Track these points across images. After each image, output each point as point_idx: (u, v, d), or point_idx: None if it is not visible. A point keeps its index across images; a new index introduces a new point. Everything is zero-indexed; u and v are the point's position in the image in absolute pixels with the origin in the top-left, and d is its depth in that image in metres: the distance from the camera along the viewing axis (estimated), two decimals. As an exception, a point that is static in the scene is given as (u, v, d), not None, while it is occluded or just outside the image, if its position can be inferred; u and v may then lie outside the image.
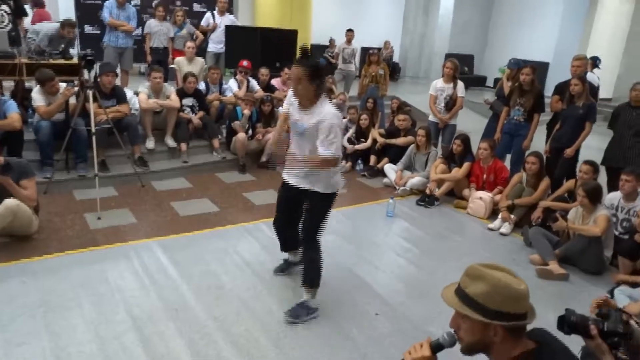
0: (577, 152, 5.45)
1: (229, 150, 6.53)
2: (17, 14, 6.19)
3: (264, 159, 6.52)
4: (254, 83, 7.14)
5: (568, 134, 5.38)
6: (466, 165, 5.56)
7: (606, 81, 10.75)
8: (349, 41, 9.66)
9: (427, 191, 5.62)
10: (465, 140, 5.66)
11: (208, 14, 8.45)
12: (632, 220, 4.14)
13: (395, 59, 14.84)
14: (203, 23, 8.38)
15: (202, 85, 6.75)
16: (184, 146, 6.14)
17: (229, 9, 9.03)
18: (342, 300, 3.43)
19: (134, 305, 3.19)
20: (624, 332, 1.63)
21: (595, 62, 8.30)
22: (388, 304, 3.44)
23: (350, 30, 9.75)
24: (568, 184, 5.09)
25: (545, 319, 1.75)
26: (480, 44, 15.83)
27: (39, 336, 2.82)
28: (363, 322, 3.20)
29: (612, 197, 4.42)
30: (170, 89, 6.25)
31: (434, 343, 1.58)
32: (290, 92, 3.12)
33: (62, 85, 5.35)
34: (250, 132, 6.44)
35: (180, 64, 7.18)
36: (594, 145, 6.12)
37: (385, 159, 6.41)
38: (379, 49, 11.10)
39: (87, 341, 2.81)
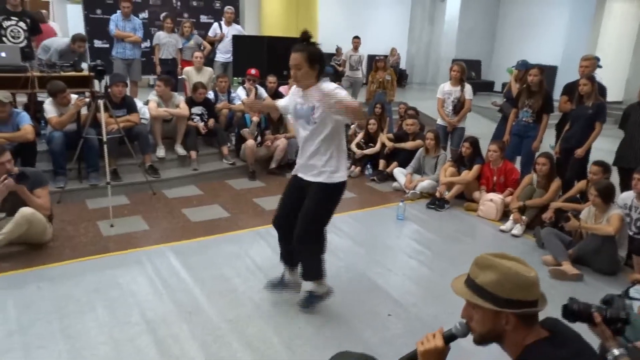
0: (587, 152, 5.42)
1: (238, 157, 6.58)
2: (33, 31, 6.34)
3: (273, 165, 6.55)
4: (262, 91, 7.20)
5: (578, 135, 5.35)
6: (476, 167, 5.55)
7: (615, 84, 10.71)
8: (355, 48, 9.72)
9: (437, 194, 5.61)
10: (474, 142, 5.65)
11: (215, 24, 8.58)
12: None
13: (402, 65, 14.89)
14: (210, 33, 8.50)
15: (210, 94, 6.83)
16: (193, 154, 6.20)
17: (236, 19, 9.14)
18: (354, 302, 3.42)
19: (147, 309, 3.21)
20: (626, 318, 1.65)
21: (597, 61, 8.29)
22: (400, 305, 3.43)
23: (356, 38, 9.82)
24: (579, 185, 5.06)
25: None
26: (487, 49, 15.83)
27: (56, 340, 2.85)
28: (376, 324, 3.19)
29: (626, 197, 4.38)
30: (180, 98, 6.33)
31: (447, 333, 1.58)
32: (291, 91, 3.11)
33: (74, 96, 5.43)
34: (259, 139, 6.49)
35: (189, 73, 7.27)
36: (604, 147, 6.09)
37: (395, 163, 6.42)
38: (386, 56, 11.15)
39: (101, 344, 2.84)
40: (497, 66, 15.41)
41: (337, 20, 13.44)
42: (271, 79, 7.29)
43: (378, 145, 6.76)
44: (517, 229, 4.87)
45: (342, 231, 4.68)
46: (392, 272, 3.95)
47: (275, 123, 6.71)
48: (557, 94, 6.78)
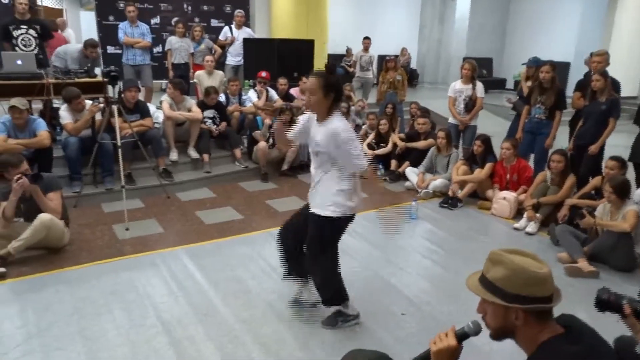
0: (602, 149, 5.36)
1: (250, 160, 6.62)
2: (44, 37, 6.44)
3: (285, 167, 6.58)
4: (273, 93, 7.25)
5: (591, 131, 5.30)
6: (488, 165, 5.52)
7: (629, 79, 10.59)
8: (366, 49, 9.73)
9: (450, 193, 5.59)
10: (486, 140, 5.62)
11: (226, 28, 8.64)
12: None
13: (413, 65, 14.87)
14: (221, 37, 8.56)
15: (222, 97, 6.88)
16: (206, 157, 6.25)
17: (246, 22, 9.20)
18: (368, 302, 3.42)
19: (163, 311, 3.25)
20: None
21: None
22: (414, 304, 3.43)
23: (367, 38, 9.83)
24: (594, 182, 5.01)
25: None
26: (498, 47, 15.73)
27: (74, 342, 2.90)
28: (390, 323, 3.20)
29: (642, 192, 4.34)
30: (191, 101, 6.39)
31: (459, 332, 1.59)
32: (305, 116, 3.03)
33: (88, 102, 5.51)
34: (271, 141, 6.52)
35: (200, 77, 7.34)
36: (619, 143, 6.03)
37: (407, 163, 6.41)
38: (396, 56, 11.14)
39: (119, 345, 2.88)
40: (508, 63, 15.31)
41: (347, 21, 13.46)
42: (282, 81, 7.33)
43: (390, 145, 6.75)
44: (532, 227, 4.84)
45: (355, 231, 4.68)
46: (405, 272, 3.95)
47: (286, 125, 6.73)
48: (569, 90, 6.73)
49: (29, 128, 4.96)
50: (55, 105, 6.18)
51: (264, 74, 7.19)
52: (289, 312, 3.28)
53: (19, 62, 5.52)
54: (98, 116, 5.49)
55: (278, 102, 7.14)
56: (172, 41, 7.90)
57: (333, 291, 3.06)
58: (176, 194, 5.70)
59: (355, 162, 2.78)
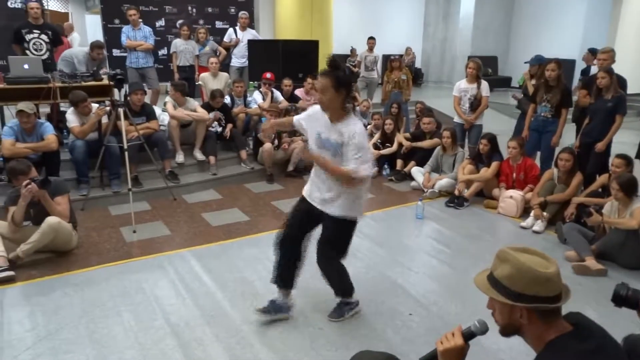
0: (608, 146, 5.34)
1: (256, 161, 6.63)
2: (55, 42, 6.49)
3: (290, 167, 6.59)
4: (278, 94, 7.26)
5: (598, 128, 5.28)
6: (494, 164, 5.51)
7: (636, 76, 10.49)
8: (370, 49, 9.73)
9: (456, 192, 5.58)
10: (492, 139, 5.61)
11: (230, 30, 8.67)
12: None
13: (418, 64, 14.85)
14: (226, 39, 8.59)
15: (227, 99, 6.90)
16: (212, 159, 6.27)
17: (250, 24, 9.23)
18: (375, 302, 3.43)
19: (171, 313, 3.27)
20: None
21: (594, 54, 8.27)
22: (421, 304, 3.43)
23: (372, 38, 9.82)
24: (601, 179, 4.98)
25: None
26: (503, 45, 15.67)
27: (83, 344, 2.92)
28: (397, 323, 3.20)
29: (649, 190, 4.31)
30: (195, 103, 6.41)
31: (466, 331, 1.59)
32: (313, 108, 3.04)
33: (94, 105, 5.55)
34: (276, 142, 6.53)
35: (205, 79, 7.36)
36: (626, 140, 6.00)
37: (412, 163, 6.40)
38: (401, 56, 11.13)
39: (127, 348, 2.90)
40: (513, 62, 15.25)
41: (351, 21, 13.46)
42: (287, 82, 7.34)
43: (395, 145, 6.75)
44: (539, 225, 4.82)
45: (361, 232, 4.67)
46: (412, 271, 3.95)
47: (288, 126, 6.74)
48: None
49: (37, 132, 4.99)
50: (62, 109, 6.23)
51: (268, 75, 7.21)
52: (296, 313, 3.27)
53: (26, 66, 5.57)
54: (104, 119, 5.52)
55: (283, 103, 7.14)
56: (177, 44, 7.94)
57: (342, 282, 3.15)
58: (182, 196, 5.72)
59: (360, 167, 2.75)
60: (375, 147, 6.87)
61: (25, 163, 4.04)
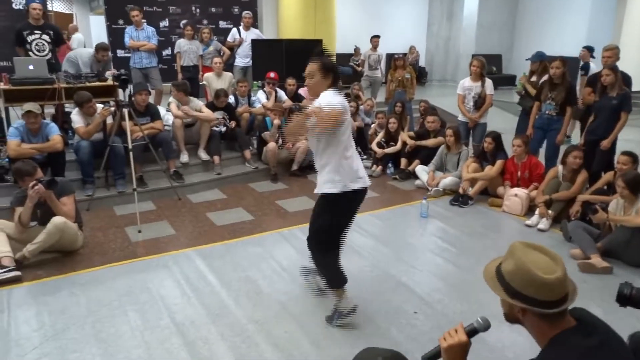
0: (614, 143, 5.31)
1: (260, 161, 6.65)
2: (57, 42, 6.52)
3: (295, 167, 6.60)
4: (281, 93, 7.27)
5: (603, 126, 5.26)
6: (499, 162, 5.49)
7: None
8: (374, 47, 9.70)
9: (461, 191, 5.58)
10: (497, 137, 5.59)
11: (234, 29, 8.68)
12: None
13: (422, 63, 14.82)
14: (229, 39, 8.60)
15: (231, 99, 6.92)
16: (217, 159, 6.28)
17: (254, 23, 9.24)
18: (380, 300, 3.43)
19: (176, 312, 3.28)
20: None
21: (590, 51, 8.53)
22: (426, 303, 3.43)
23: (376, 37, 9.80)
24: (606, 177, 4.97)
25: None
26: (507, 43, 15.62)
27: (89, 344, 2.94)
28: (401, 321, 3.20)
29: (655, 187, 4.28)
30: (199, 102, 6.43)
31: (469, 328, 1.60)
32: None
33: (99, 106, 5.57)
34: (280, 141, 6.54)
35: (210, 79, 7.38)
36: (631, 137, 5.98)
37: (417, 161, 6.40)
38: (405, 55, 11.11)
39: (133, 347, 2.91)
40: (518, 60, 15.18)
41: (354, 20, 13.44)
42: (290, 81, 7.34)
43: (399, 144, 6.74)
44: (544, 224, 4.80)
45: (365, 230, 4.69)
46: (416, 270, 3.94)
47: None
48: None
49: (42, 132, 5.02)
50: (67, 110, 6.26)
51: (272, 74, 7.22)
52: (301, 311, 3.29)
53: (31, 67, 5.60)
54: (109, 120, 5.54)
55: (287, 102, 7.15)
56: (181, 44, 7.95)
57: (330, 274, 3.09)
58: (187, 196, 5.74)
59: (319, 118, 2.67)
60: (380, 146, 6.87)
61: (31, 164, 4.07)
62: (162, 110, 6.37)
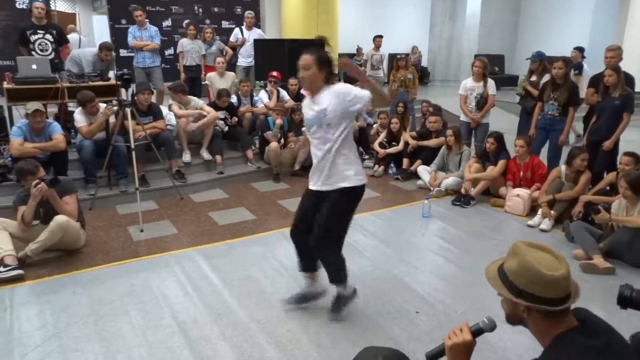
0: (616, 144, 5.31)
1: (262, 160, 6.65)
2: (60, 42, 6.53)
3: (297, 166, 6.60)
4: (284, 93, 7.27)
5: (605, 126, 5.25)
6: (501, 163, 5.49)
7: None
8: (377, 47, 9.70)
9: (463, 191, 5.57)
10: (499, 137, 5.59)
11: (236, 29, 8.70)
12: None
13: (424, 63, 14.82)
14: (232, 39, 8.62)
15: (233, 99, 6.93)
16: (219, 158, 6.29)
17: (257, 23, 9.25)
18: (382, 300, 3.44)
19: (178, 311, 3.29)
20: None
21: (581, 52, 8.66)
22: (428, 303, 3.43)
23: (379, 37, 9.80)
24: (609, 177, 4.96)
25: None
26: (510, 44, 15.61)
27: (92, 343, 2.94)
28: (404, 321, 3.20)
29: (657, 188, 4.27)
30: (199, 101, 6.44)
31: (474, 328, 1.60)
32: (304, 104, 3.10)
33: (102, 105, 5.58)
34: (282, 141, 6.54)
35: (212, 79, 7.39)
36: (634, 138, 5.97)
37: (418, 161, 6.40)
38: (407, 55, 11.10)
39: (135, 346, 2.91)
40: (520, 60, 15.15)
41: (357, 20, 13.45)
42: (292, 81, 7.35)
43: (401, 144, 6.74)
44: (546, 224, 4.80)
45: (367, 230, 4.69)
46: (418, 270, 3.94)
47: (297, 125, 6.76)
48: (582, 85, 6.68)
49: (45, 132, 5.03)
50: (70, 109, 6.27)
51: (275, 73, 7.23)
52: (303, 311, 3.29)
53: (34, 66, 5.61)
54: (112, 119, 5.55)
55: (289, 102, 7.16)
56: (184, 43, 7.97)
57: (338, 270, 3.12)
58: (189, 195, 5.75)
59: (364, 96, 2.83)
60: (382, 146, 6.87)
61: (33, 163, 4.08)
62: (164, 109, 6.38)
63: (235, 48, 8.54)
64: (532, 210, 5.13)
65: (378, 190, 6.00)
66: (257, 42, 8.44)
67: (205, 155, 6.30)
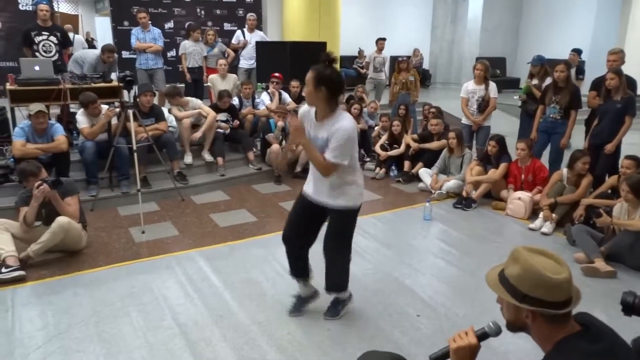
0: (618, 147, 5.31)
1: (264, 162, 6.66)
2: (64, 44, 6.56)
3: (298, 169, 6.60)
4: (285, 96, 7.28)
5: (607, 130, 5.25)
6: (503, 166, 5.49)
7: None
8: (380, 50, 9.71)
9: (464, 194, 5.57)
10: (500, 140, 5.59)
11: (238, 32, 8.71)
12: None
13: (425, 65, 14.81)
14: (234, 41, 8.64)
15: (235, 101, 6.94)
16: (220, 160, 6.30)
17: (258, 25, 9.26)
18: (383, 303, 3.43)
19: (179, 313, 3.29)
20: None
21: (579, 54, 8.89)
22: (429, 306, 3.42)
23: (382, 39, 9.80)
24: (611, 181, 4.95)
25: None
26: (511, 46, 15.57)
27: (93, 344, 2.94)
28: (405, 324, 3.20)
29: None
30: (197, 102, 6.47)
31: (480, 332, 1.59)
32: (302, 108, 3.04)
33: (104, 107, 5.59)
34: (284, 143, 6.55)
35: (214, 81, 7.40)
36: (635, 141, 5.96)
37: (420, 164, 6.40)
38: (409, 57, 11.10)
39: (136, 347, 2.92)
40: (522, 63, 15.12)
41: (359, 22, 13.45)
42: (294, 83, 7.36)
43: (403, 147, 6.74)
44: (547, 227, 4.80)
45: (368, 233, 4.69)
46: (420, 273, 3.94)
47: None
48: (584, 89, 6.67)
49: (47, 133, 5.04)
50: (72, 110, 6.28)
51: (277, 74, 7.24)
52: (304, 314, 3.29)
53: (37, 67, 5.63)
54: (114, 121, 5.56)
55: (291, 104, 7.17)
56: (186, 45, 7.98)
57: (342, 275, 3.14)
58: (191, 197, 5.75)
59: (334, 154, 2.73)
60: (383, 148, 6.88)
61: (35, 164, 4.09)
62: (166, 111, 6.39)
63: (237, 50, 8.56)
64: (534, 213, 5.13)
65: (379, 193, 6.00)
66: (259, 45, 8.46)
67: (207, 157, 6.31)
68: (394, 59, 9.41)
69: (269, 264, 4.04)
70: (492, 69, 7.26)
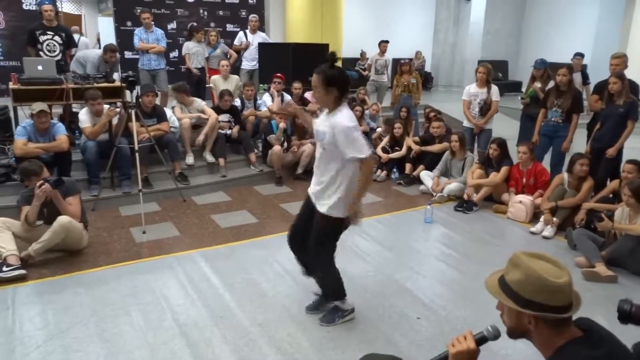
0: (619, 152, 5.30)
1: (265, 164, 6.66)
2: (68, 45, 6.58)
3: (299, 170, 6.61)
4: (287, 98, 7.28)
5: (609, 134, 5.25)
6: (504, 169, 5.48)
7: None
8: (382, 52, 9.72)
9: (465, 197, 5.56)
10: (502, 144, 5.59)
11: (241, 33, 8.73)
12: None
13: (427, 68, 14.81)
14: (236, 42, 8.65)
15: (237, 102, 6.95)
16: (222, 161, 6.30)
17: (261, 27, 9.27)
18: (383, 306, 3.43)
19: (180, 313, 3.29)
20: None
21: (582, 57, 8.97)
22: (430, 308, 3.42)
23: (385, 42, 9.81)
24: (612, 185, 4.95)
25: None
26: (513, 49, 15.59)
27: (93, 343, 2.95)
28: (405, 327, 3.19)
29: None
30: (201, 102, 6.47)
31: (478, 336, 1.59)
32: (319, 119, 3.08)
33: (105, 106, 5.59)
34: (285, 144, 6.56)
35: (216, 82, 7.41)
36: (637, 145, 5.95)
37: (421, 167, 6.40)
38: (411, 60, 11.11)
39: (137, 347, 2.92)
40: (524, 66, 15.11)
41: (361, 24, 13.45)
42: (296, 85, 7.36)
43: (404, 149, 6.74)
44: (548, 231, 4.79)
45: (369, 235, 4.69)
46: (420, 275, 3.94)
47: (300, 129, 6.77)
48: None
49: (49, 132, 5.06)
50: (74, 110, 6.29)
51: (279, 74, 7.24)
52: (304, 315, 3.29)
53: (40, 67, 5.63)
54: (115, 120, 5.57)
55: (293, 105, 7.16)
56: (189, 46, 7.99)
57: (332, 285, 3.13)
58: (192, 198, 5.76)
59: (356, 149, 2.77)
60: (385, 150, 6.88)
61: (37, 164, 4.09)
62: (168, 112, 6.40)
63: (239, 51, 8.57)
64: (535, 217, 5.13)
65: (380, 195, 6.00)
66: (262, 46, 8.47)
67: (209, 157, 6.32)
68: (396, 62, 9.40)
69: (270, 265, 4.04)
70: (494, 72, 7.26)
